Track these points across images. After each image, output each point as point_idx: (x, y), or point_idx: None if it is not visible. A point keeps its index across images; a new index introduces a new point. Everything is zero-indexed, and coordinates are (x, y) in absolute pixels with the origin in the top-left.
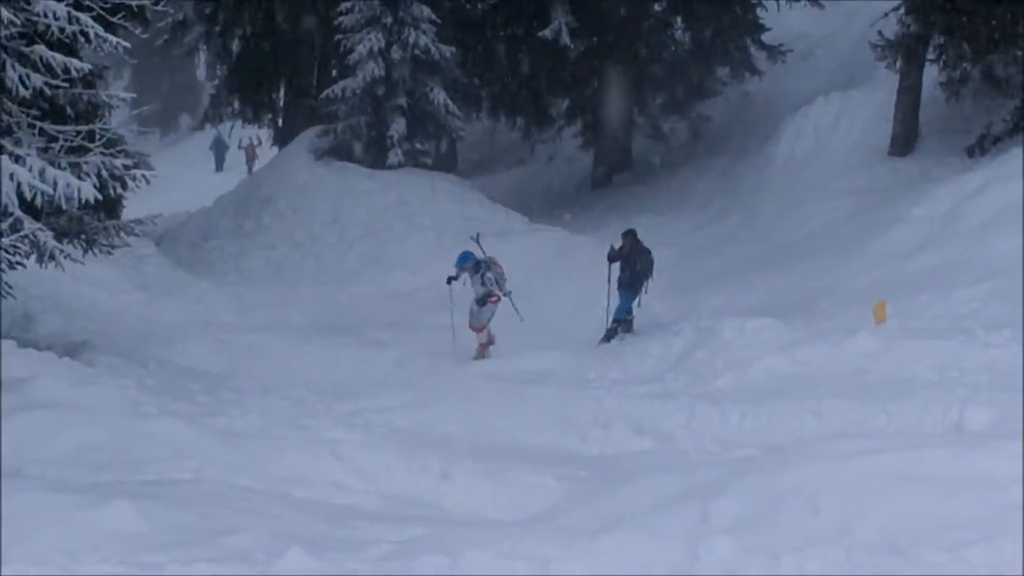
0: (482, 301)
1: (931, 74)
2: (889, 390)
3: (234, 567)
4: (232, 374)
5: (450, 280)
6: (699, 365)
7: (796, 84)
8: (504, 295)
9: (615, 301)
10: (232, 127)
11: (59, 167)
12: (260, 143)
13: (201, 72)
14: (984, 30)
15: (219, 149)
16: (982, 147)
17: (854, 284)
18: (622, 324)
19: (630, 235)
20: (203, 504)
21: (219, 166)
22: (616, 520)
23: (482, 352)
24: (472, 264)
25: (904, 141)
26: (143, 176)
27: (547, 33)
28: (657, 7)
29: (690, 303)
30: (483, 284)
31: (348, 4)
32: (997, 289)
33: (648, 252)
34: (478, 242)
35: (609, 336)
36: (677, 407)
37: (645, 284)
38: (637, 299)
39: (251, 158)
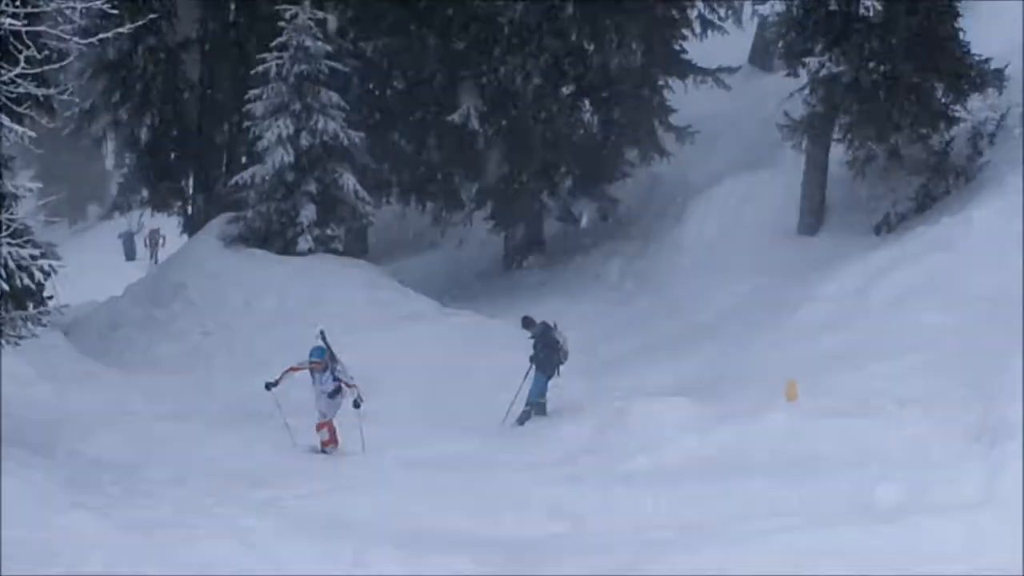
0: (334, 393)
1: (837, 153)
2: (801, 469)
3: None
4: (144, 464)
5: (269, 386)
6: (612, 446)
7: (704, 165)
8: (350, 385)
9: (527, 385)
10: (140, 216)
11: None
12: (164, 237)
13: (109, 161)
14: (887, 110)
15: (129, 239)
16: (889, 225)
17: (765, 363)
18: (535, 407)
19: (527, 321)
20: None
21: (130, 255)
22: None
23: (325, 446)
24: (322, 360)
25: (812, 220)
26: (50, 266)
27: (455, 118)
28: (565, 90)
29: (602, 385)
30: (335, 379)
31: (256, 91)
32: (908, 366)
33: (549, 334)
34: (324, 337)
35: (523, 419)
36: (591, 489)
37: (557, 368)
38: (550, 381)
39: (154, 245)
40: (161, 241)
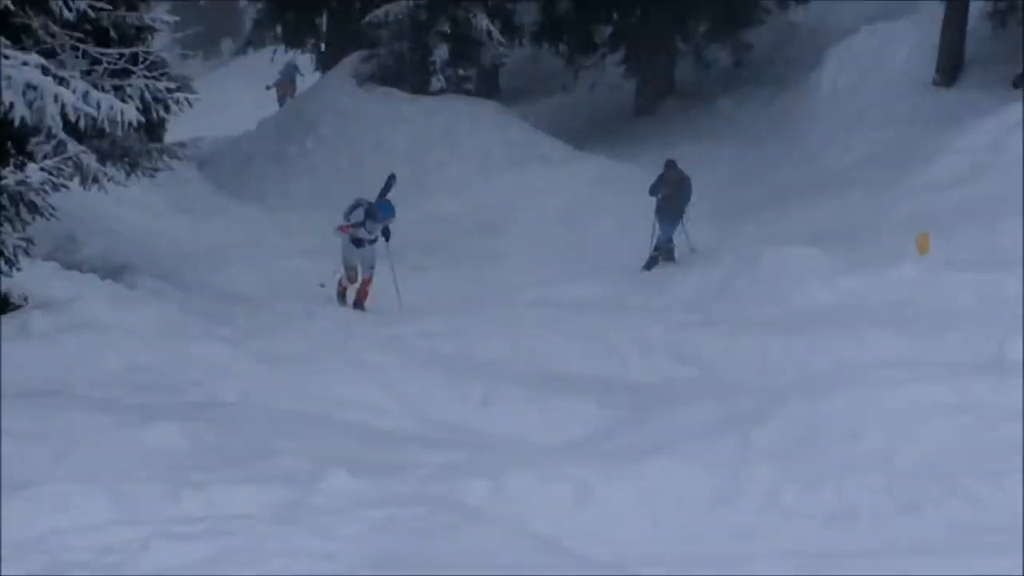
0: (374, 241)
1: (977, 4)
2: (930, 321)
3: (278, 487)
4: (275, 298)
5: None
6: (740, 294)
7: (841, 14)
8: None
9: (658, 229)
10: (274, 52)
11: (103, 90)
12: (300, 75)
13: None
14: None
15: (289, 73)
16: None
17: (897, 214)
18: (663, 252)
19: (671, 165)
20: (246, 426)
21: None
22: (658, 446)
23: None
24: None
25: (949, 71)
26: (186, 99)
27: None
28: None
29: (732, 231)
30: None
31: None
32: None
33: (687, 181)
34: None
35: (650, 264)
36: (718, 335)
37: (685, 213)
38: (679, 227)
39: (284, 95)
40: (291, 92)
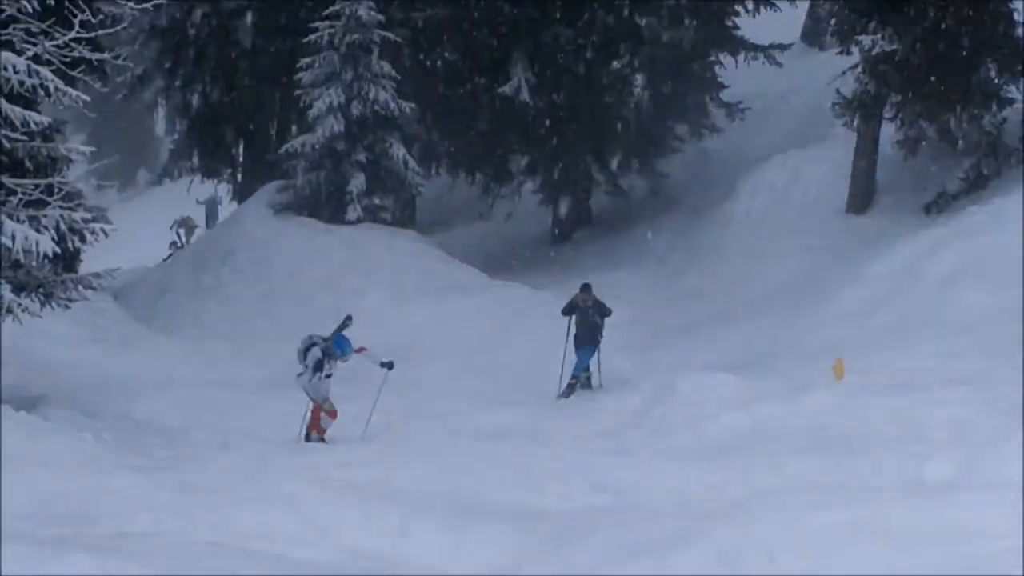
0: (330, 375)
1: (888, 132)
2: (847, 445)
3: None
4: (190, 428)
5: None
6: (657, 421)
7: (754, 141)
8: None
9: (572, 357)
10: (190, 182)
11: (17, 220)
12: (196, 226)
13: (160, 127)
14: (939, 90)
15: (212, 205)
16: (939, 205)
17: (812, 341)
18: (580, 380)
19: (587, 289)
20: (160, 557)
21: (211, 222)
22: (575, 573)
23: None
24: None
25: (861, 199)
26: (102, 230)
27: (506, 89)
28: (616, 64)
29: (648, 359)
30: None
31: (308, 60)
32: (954, 346)
33: (603, 306)
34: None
35: (568, 392)
36: (635, 463)
37: (601, 339)
38: (595, 354)
39: (190, 231)
40: (196, 230)
